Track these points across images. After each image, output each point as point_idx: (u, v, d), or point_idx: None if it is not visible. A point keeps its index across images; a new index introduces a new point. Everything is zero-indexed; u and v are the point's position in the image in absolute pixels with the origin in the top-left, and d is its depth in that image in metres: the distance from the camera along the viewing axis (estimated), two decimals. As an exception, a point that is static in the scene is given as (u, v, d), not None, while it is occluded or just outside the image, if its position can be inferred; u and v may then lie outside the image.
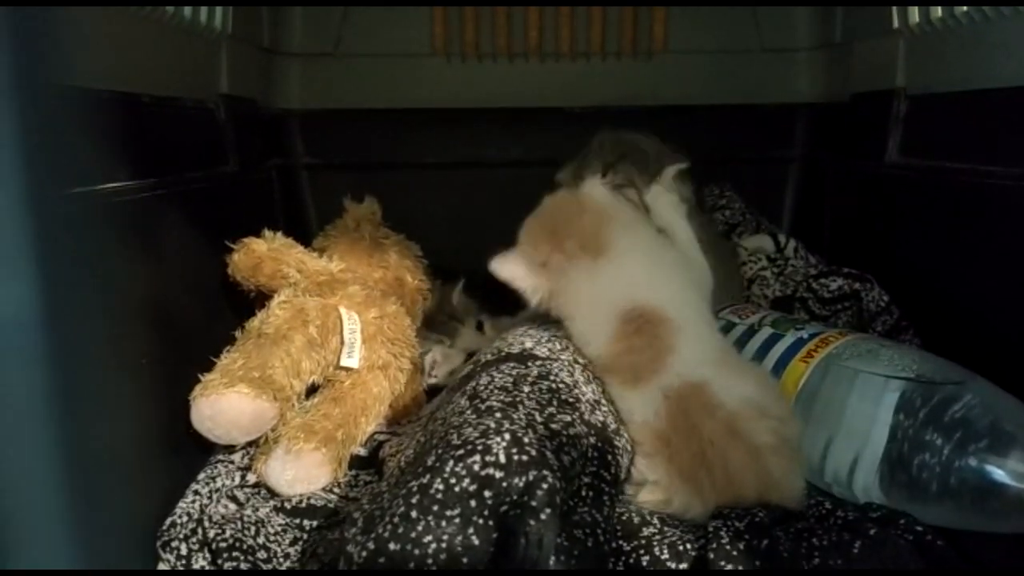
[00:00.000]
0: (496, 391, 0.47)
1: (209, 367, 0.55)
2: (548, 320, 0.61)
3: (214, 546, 0.46)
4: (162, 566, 0.47)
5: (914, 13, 0.73)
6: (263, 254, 0.63)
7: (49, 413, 0.25)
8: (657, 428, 0.43)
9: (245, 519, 0.48)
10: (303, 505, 0.52)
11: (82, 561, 0.27)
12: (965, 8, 0.64)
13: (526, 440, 0.41)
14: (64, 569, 0.27)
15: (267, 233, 0.66)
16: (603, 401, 0.51)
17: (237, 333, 0.61)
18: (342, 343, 0.61)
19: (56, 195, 0.25)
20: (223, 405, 0.51)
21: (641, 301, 0.48)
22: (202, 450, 0.56)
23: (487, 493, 0.38)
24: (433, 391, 0.70)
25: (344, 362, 0.61)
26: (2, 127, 0.23)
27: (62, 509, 0.27)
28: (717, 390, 0.44)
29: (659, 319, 0.47)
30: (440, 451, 0.41)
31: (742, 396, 0.45)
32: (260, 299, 0.65)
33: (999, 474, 0.43)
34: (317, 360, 0.59)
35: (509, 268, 0.53)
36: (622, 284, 0.50)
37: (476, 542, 0.37)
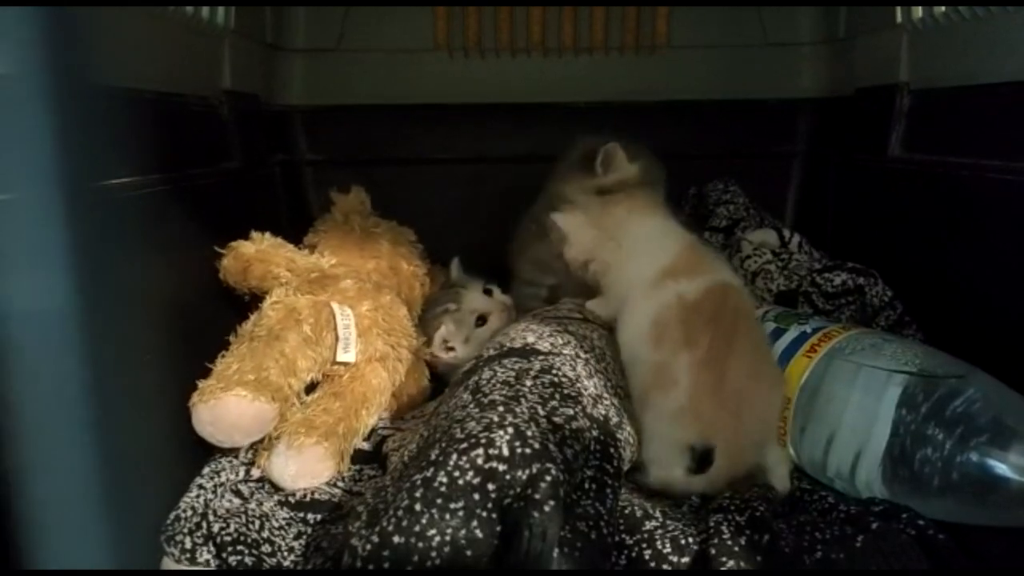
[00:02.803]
0: (499, 385, 0.47)
1: (214, 363, 0.55)
2: (548, 315, 0.61)
3: (218, 540, 0.46)
4: (166, 560, 0.47)
5: (917, 9, 0.72)
6: (251, 256, 0.63)
7: (84, 404, 0.25)
8: (693, 300, 0.51)
9: (249, 513, 0.48)
10: (307, 499, 0.52)
11: (116, 554, 0.28)
12: (968, 4, 0.64)
13: (529, 433, 0.41)
14: (96, 569, 0.27)
15: (255, 235, 0.65)
16: (605, 395, 0.51)
17: (231, 337, 0.61)
18: (337, 338, 0.61)
19: (89, 189, 0.26)
20: (221, 410, 0.51)
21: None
22: (206, 445, 0.56)
23: (491, 486, 0.38)
24: (435, 390, 0.70)
25: (340, 357, 0.61)
26: (39, 124, 0.23)
27: (96, 501, 0.27)
28: (746, 295, 0.55)
29: (697, 242, 0.59)
30: (443, 445, 0.41)
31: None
32: (255, 301, 0.65)
33: (1001, 468, 0.43)
34: (313, 357, 0.59)
35: (569, 220, 0.62)
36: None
37: (480, 535, 0.37)
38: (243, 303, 0.66)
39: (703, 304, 0.51)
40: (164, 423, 0.51)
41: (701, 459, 0.49)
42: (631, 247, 0.58)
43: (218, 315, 0.64)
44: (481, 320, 0.73)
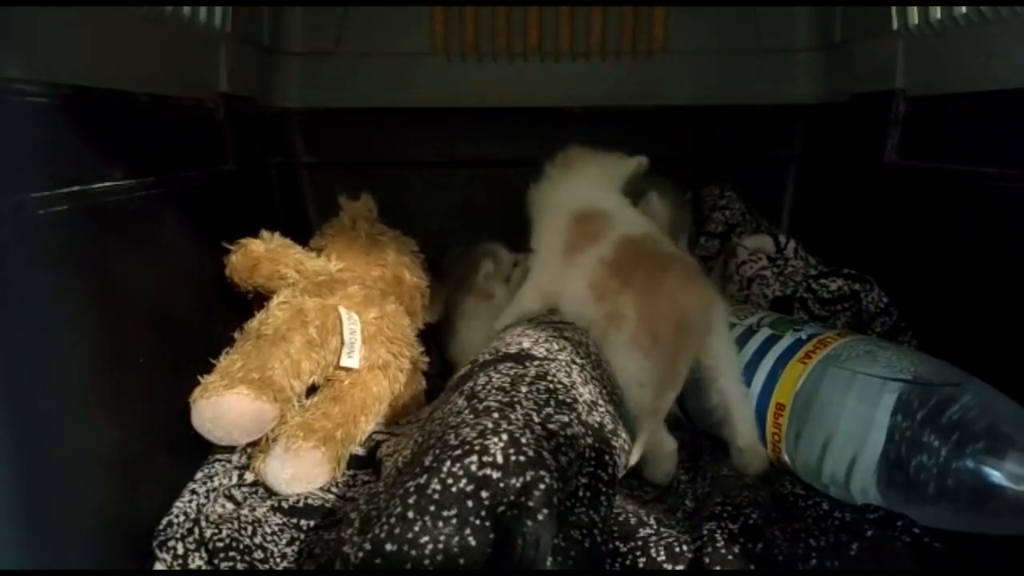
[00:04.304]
0: (494, 391, 0.47)
1: (208, 367, 0.55)
2: (544, 321, 0.61)
3: (211, 546, 0.46)
4: (158, 566, 0.47)
5: (913, 14, 0.72)
6: (261, 255, 0.63)
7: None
8: (610, 260, 0.58)
9: (242, 519, 0.48)
10: (300, 505, 0.52)
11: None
12: (964, 9, 0.64)
13: (523, 440, 0.41)
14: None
15: (265, 234, 0.65)
16: (600, 402, 0.51)
17: (236, 333, 0.61)
18: (342, 343, 0.61)
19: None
20: (223, 407, 0.51)
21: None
22: (200, 449, 0.56)
23: (484, 494, 0.38)
24: (432, 393, 0.70)
25: (344, 362, 0.61)
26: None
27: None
28: (657, 238, 0.61)
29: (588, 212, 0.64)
30: (437, 451, 0.41)
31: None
32: (258, 300, 0.65)
33: (996, 476, 0.43)
34: (317, 360, 0.59)
35: None
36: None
37: (473, 543, 0.37)
38: (237, 307, 0.66)
39: (624, 255, 0.57)
40: (151, 427, 0.51)
41: None
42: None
43: (212, 319, 0.64)
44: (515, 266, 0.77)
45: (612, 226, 0.60)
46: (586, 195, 0.64)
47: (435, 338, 0.81)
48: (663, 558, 0.42)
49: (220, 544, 0.46)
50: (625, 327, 0.55)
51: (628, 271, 0.56)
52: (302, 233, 0.77)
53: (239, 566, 0.45)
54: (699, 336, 0.53)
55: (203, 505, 0.50)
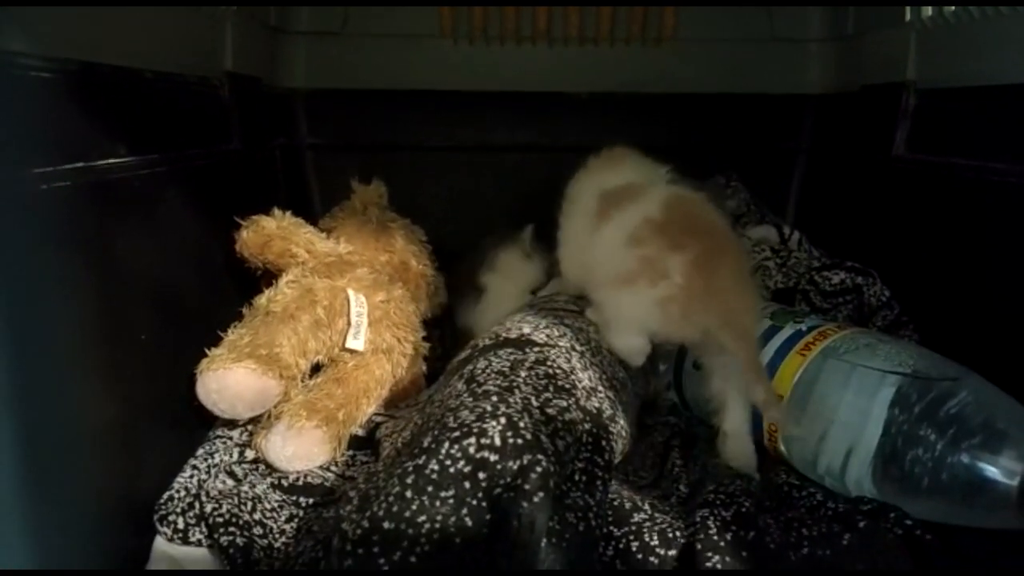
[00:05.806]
0: (493, 375, 0.47)
1: (210, 343, 0.55)
2: (545, 307, 0.61)
3: (210, 521, 0.47)
4: (159, 539, 0.48)
5: (927, 7, 0.72)
6: (272, 232, 0.64)
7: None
8: (656, 219, 0.53)
9: (242, 495, 0.49)
10: (300, 482, 0.52)
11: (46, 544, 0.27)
12: (977, 4, 0.63)
13: (521, 424, 0.41)
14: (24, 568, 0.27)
15: (276, 212, 0.66)
16: (599, 388, 0.51)
17: (241, 311, 0.62)
18: (348, 325, 0.62)
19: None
20: (229, 380, 0.52)
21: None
22: (201, 425, 0.57)
23: (481, 475, 0.39)
24: (432, 377, 0.70)
25: (350, 344, 0.61)
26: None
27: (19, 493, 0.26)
28: (709, 206, 0.56)
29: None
30: (436, 433, 0.41)
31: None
32: (266, 276, 0.65)
33: (991, 471, 0.43)
34: (323, 340, 0.60)
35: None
36: None
37: (469, 523, 0.37)
38: (240, 285, 0.66)
39: (673, 216, 0.53)
40: (153, 403, 0.51)
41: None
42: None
43: (214, 296, 0.64)
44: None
45: (656, 189, 0.56)
46: (626, 178, 0.60)
47: (437, 323, 0.81)
48: (656, 543, 0.42)
49: (220, 519, 0.47)
50: (662, 286, 0.50)
51: (679, 235, 0.51)
52: (304, 214, 0.77)
53: (238, 541, 0.46)
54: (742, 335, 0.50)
55: (204, 481, 0.51)
